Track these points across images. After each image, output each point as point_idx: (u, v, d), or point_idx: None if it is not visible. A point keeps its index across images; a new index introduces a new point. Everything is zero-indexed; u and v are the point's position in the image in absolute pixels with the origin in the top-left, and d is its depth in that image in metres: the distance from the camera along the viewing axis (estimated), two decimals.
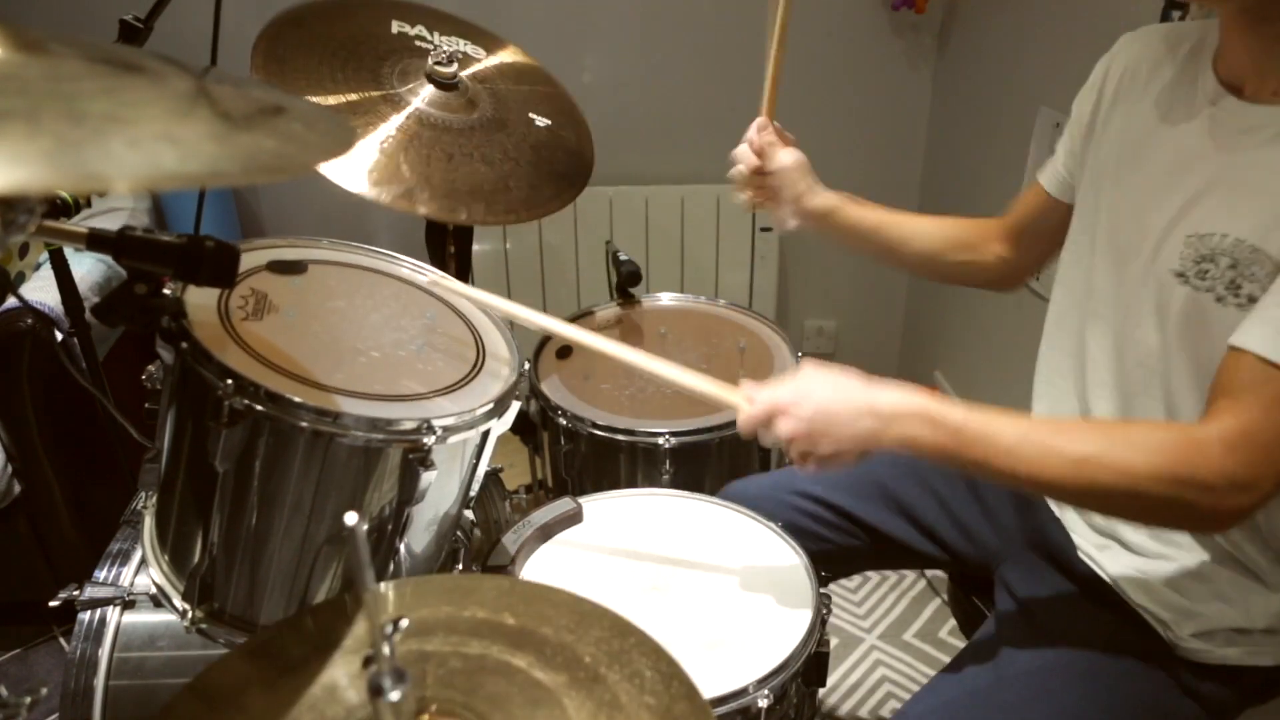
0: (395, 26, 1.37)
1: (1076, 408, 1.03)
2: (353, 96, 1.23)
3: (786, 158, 1.19)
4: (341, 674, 0.64)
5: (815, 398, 0.89)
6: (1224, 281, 0.83)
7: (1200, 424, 0.81)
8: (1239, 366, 0.79)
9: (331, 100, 1.21)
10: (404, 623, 0.54)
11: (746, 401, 0.94)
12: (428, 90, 1.29)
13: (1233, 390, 0.80)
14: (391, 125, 1.23)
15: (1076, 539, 1.04)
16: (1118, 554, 1.00)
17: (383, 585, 0.72)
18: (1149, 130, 0.94)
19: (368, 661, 0.54)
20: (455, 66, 1.30)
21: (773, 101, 1.22)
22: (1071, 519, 1.07)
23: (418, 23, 1.38)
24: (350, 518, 0.49)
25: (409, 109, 1.26)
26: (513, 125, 1.34)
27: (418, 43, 1.35)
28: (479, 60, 1.40)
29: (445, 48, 1.35)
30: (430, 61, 1.30)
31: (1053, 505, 1.10)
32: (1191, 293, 0.86)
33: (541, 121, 1.37)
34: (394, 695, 0.52)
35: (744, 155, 1.20)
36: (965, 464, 0.85)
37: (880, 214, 1.22)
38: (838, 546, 1.16)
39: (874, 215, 1.22)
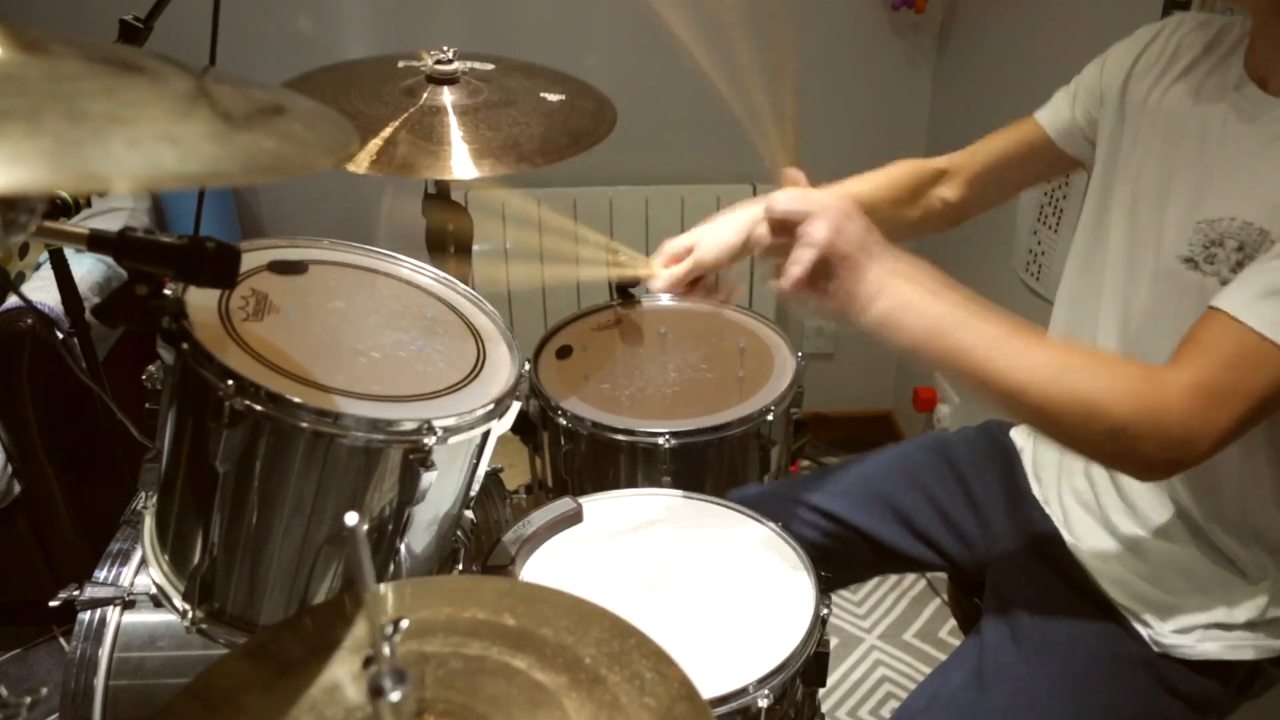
0: (402, 63, 1.42)
1: None
2: (387, 132, 1.27)
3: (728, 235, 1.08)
4: (341, 674, 0.64)
5: (859, 227, 0.87)
6: (1229, 264, 0.84)
7: (1163, 368, 0.81)
8: (1212, 323, 0.80)
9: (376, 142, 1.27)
10: (404, 623, 0.54)
11: (785, 197, 0.90)
12: (428, 90, 1.31)
13: (1200, 344, 0.80)
14: (392, 125, 1.25)
15: (1063, 533, 1.05)
16: (1103, 548, 1.00)
17: (382, 586, 0.72)
18: (1171, 116, 0.95)
19: (368, 662, 0.54)
20: (455, 65, 1.32)
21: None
22: (1059, 512, 1.07)
23: (424, 58, 1.41)
24: (350, 518, 0.49)
25: (405, 108, 1.29)
26: (522, 103, 1.36)
27: (421, 67, 1.39)
28: (485, 70, 1.42)
29: (445, 49, 1.36)
30: (431, 62, 1.31)
31: (1040, 499, 1.10)
32: (1200, 278, 0.86)
33: (554, 97, 1.38)
34: (394, 696, 0.52)
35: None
36: (936, 355, 0.84)
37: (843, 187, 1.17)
38: (835, 555, 1.16)
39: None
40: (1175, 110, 0.95)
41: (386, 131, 1.26)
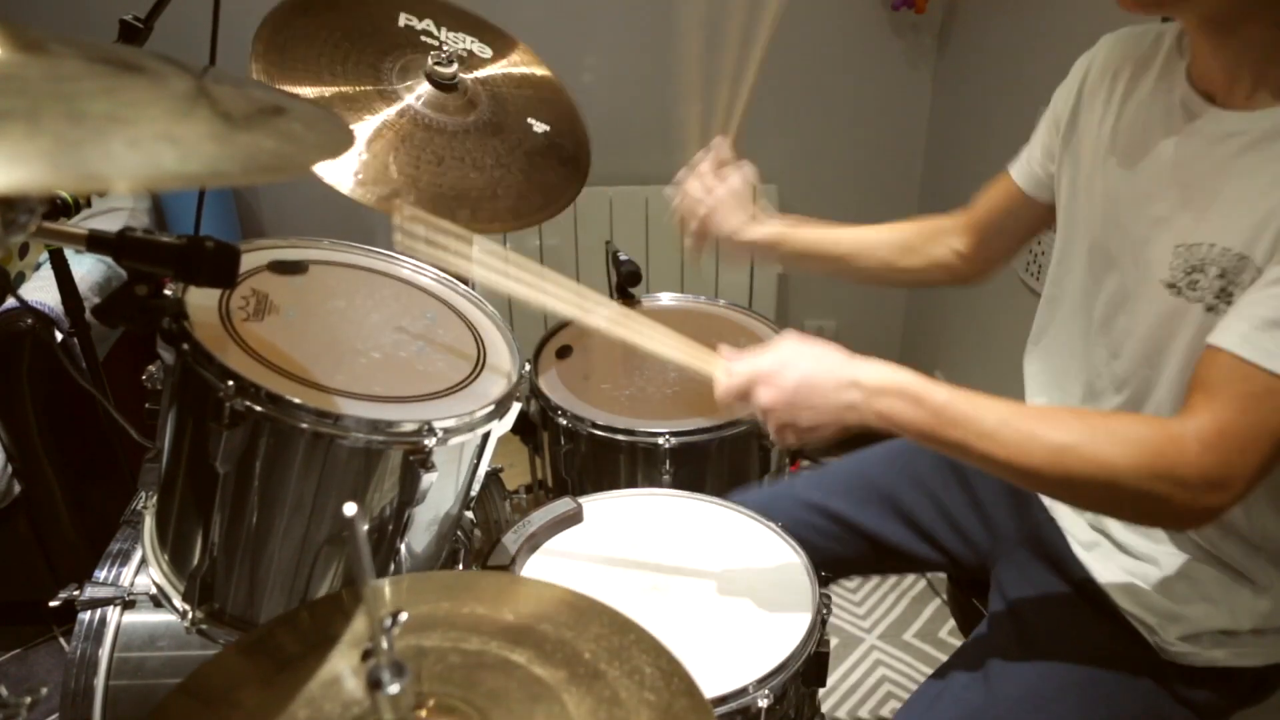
0: (403, 20, 1.35)
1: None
2: (347, 89, 1.21)
3: (737, 181, 1.20)
4: (339, 669, 0.64)
5: (797, 367, 0.88)
6: (1213, 290, 0.83)
7: (1177, 419, 0.80)
8: (1215, 364, 0.79)
9: (326, 92, 1.19)
10: (403, 616, 0.54)
11: (725, 373, 0.92)
12: (425, 89, 1.28)
13: (1209, 387, 0.79)
14: (380, 120, 1.21)
15: (1069, 538, 1.04)
16: (1106, 553, 1.00)
17: (381, 581, 0.72)
18: (1128, 138, 0.94)
19: (366, 655, 0.54)
20: (455, 67, 1.30)
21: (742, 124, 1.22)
22: (1064, 517, 1.07)
23: (425, 17, 1.36)
24: (349, 508, 0.49)
25: (400, 104, 1.24)
26: (509, 130, 1.33)
27: (423, 38, 1.34)
28: (483, 59, 1.40)
29: (449, 45, 1.34)
30: (430, 61, 1.30)
31: (1046, 503, 1.10)
32: (1184, 303, 0.86)
33: (540, 127, 1.36)
34: (393, 688, 0.53)
35: (691, 188, 1.22)
36: (944, 444, 0.85)
37: (827, 234, 1.22)
38: (837, 555, 1.16)
39: (822, 237, 1.22)
40: (1124, 135, 0.94)
41: (326, 91, 1.18)
